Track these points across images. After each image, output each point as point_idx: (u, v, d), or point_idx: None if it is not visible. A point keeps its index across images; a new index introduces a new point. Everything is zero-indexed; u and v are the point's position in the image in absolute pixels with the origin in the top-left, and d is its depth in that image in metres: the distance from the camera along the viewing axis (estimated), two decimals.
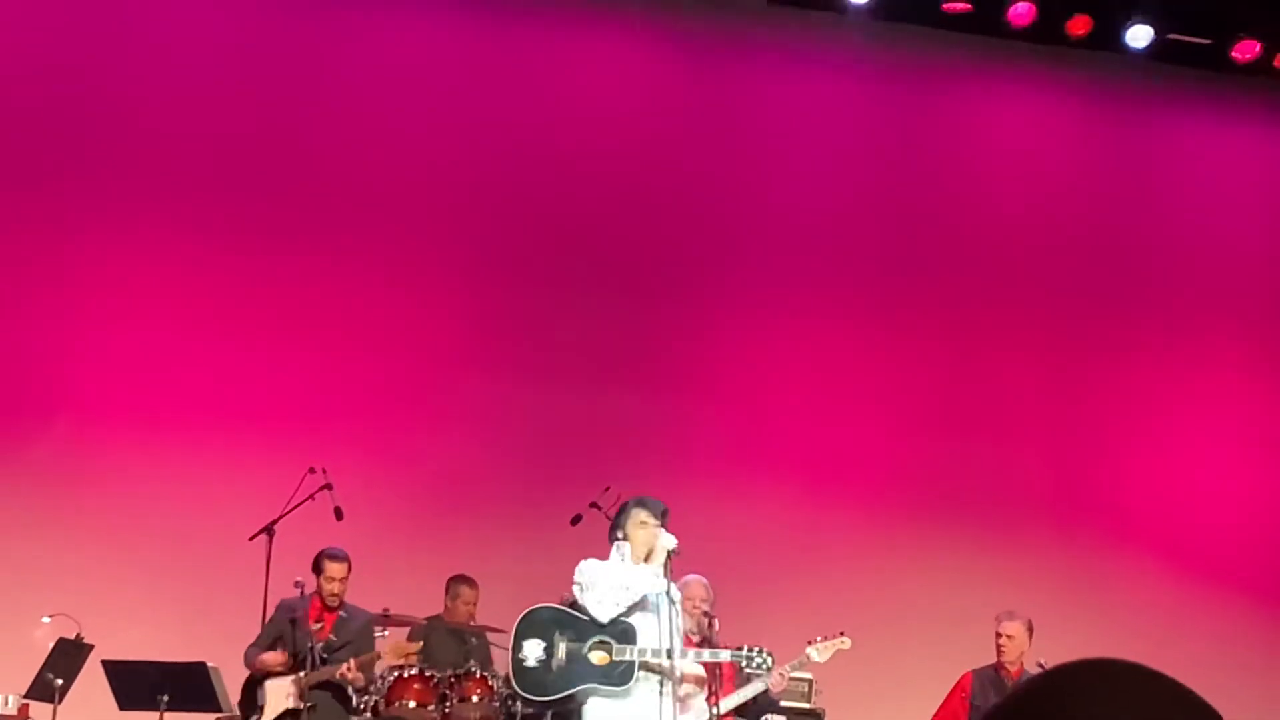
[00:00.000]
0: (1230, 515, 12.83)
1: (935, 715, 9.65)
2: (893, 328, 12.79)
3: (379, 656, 9.38)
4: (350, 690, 9.45)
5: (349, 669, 9.27)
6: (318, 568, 9.64)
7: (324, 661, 9.24)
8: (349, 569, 9.64)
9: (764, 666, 8.21)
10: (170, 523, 11.36)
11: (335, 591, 9.58)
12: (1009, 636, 9.65)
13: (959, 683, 9.70)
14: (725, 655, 8.25)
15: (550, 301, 12.32)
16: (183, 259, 11.84)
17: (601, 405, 12.15)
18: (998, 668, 9.65)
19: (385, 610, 9.62)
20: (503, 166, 12.48)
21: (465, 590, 10.52)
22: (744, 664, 8.21)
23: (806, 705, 10.28)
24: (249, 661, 9.39)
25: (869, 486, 12.44)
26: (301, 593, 9.47)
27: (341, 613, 9.54)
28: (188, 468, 11.52)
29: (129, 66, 12.06)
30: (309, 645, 9.35)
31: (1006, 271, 13.05)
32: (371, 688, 9.47)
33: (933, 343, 12.78)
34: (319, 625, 9.50)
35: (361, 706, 9.39)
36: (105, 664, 9.24)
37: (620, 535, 8.04)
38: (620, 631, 7.89)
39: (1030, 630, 9.70)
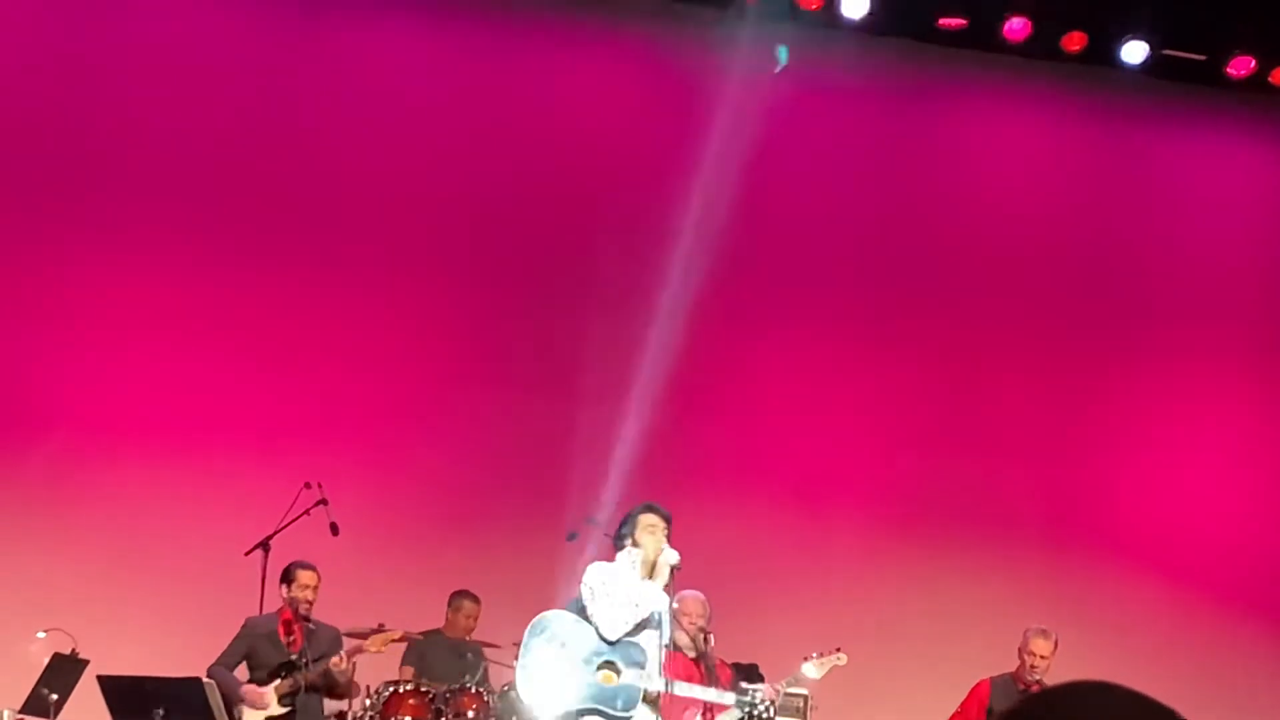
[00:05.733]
0: (1224, 530, 12.83)
1: None
2: (886, 342, 12.79)
3: (360, 650, 9.39)
4: (335, 687, 9.48)
5: (340, 659, 9.30)
6: (288, 578, 9.65)
7: (306, 667, 9.27)
8: (319, 579, 9.65)
9: (765, 715, 8.22)
10: (166, 538, 11.36)
11: (308, 599, 9.58)
12: (1042, 657, 9.60)
13: (975, 691, 9.65)
14: (730, 699, 8.27)
15: (546, 316, 12.33)
16: (177, 274, 11.85)
17: (597, 420, 12.14)
18: (1016, 678, 9.61)
19: (380, 625, 9.62)
20: (497, 182, 12.49)
21: (467, 604, 10.55)
22: (745, 711, 8.22)
23: None
24: (223, 685, 9.37)
25: (864, 501, 12.44)
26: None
27: (310, 625, 9.54)
28: (184, 483, 11.52)
29: (127, 83, 12.07)
30: (291, 656, 9.39)
31: (1000, 286, 13.05)
32: (369, 702, 9.47)
33: (926, 356, 12.78)
34: (290, 639, 9.52)
35: None
36: (100, 679, 9.22)
37: (630, 541, 8.01)
38: (630, 655, 7.86)
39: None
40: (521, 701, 8.18)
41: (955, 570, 12.32)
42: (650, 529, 7.97)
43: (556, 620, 7.96)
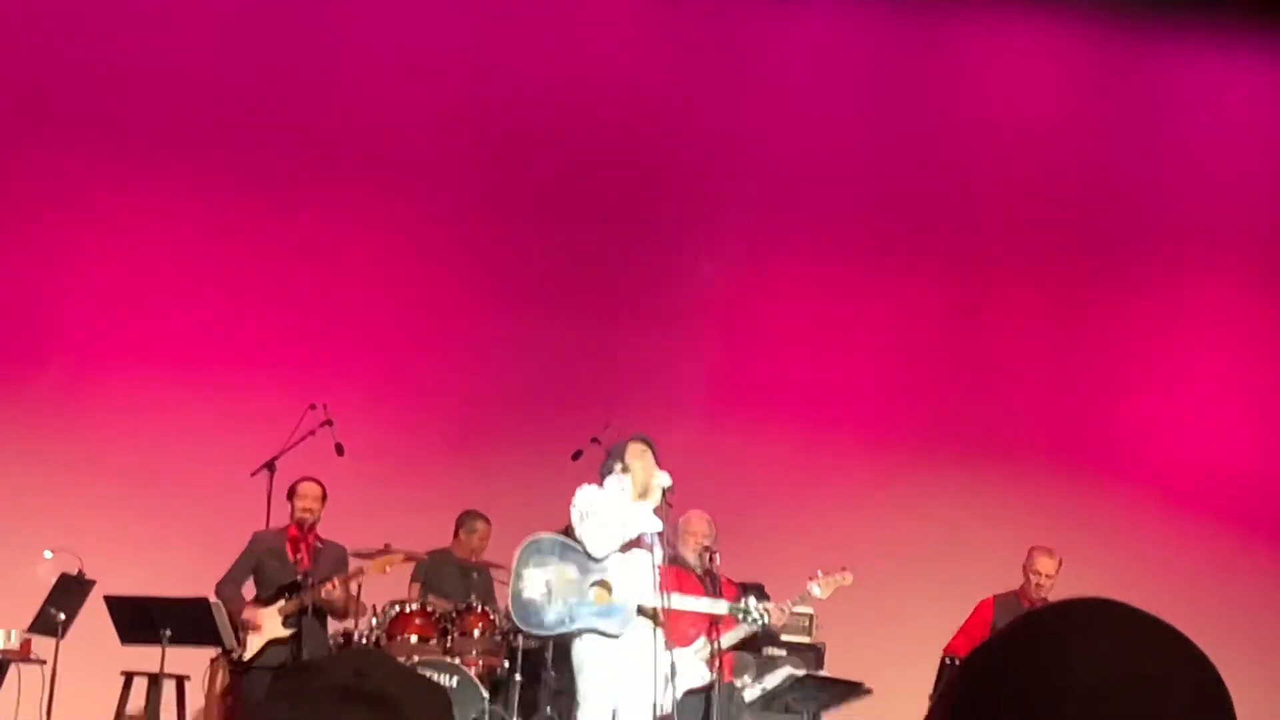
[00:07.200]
0: (1227, 451, 12.82)
1: (954, 640, 9.60)
2: (893, 263, 12.76)
3: (361, 573, 9.41)
4: (334, 610, 9.52)
5: (334, 585, 9.32)
6: (292, 494, 9.67)
7: (311, 587, 9.30)
8: (323, 493, 9.66)
9: (759, 622, 8.27)
10: (172, 459, 11.38)
11: (310, 509, 9.59)
12: (1047, 575, 9.62)
13: (979, 609, 9.68)
14: (723, 607, 8.30)
15: (554, 238, 12.30)
16: (184, 197, 11.82)
17: (604, 341, 12.14)
18: (1020, 596, 9.63)
19: (386, 545, 9.64)
20: (504, 101, 12.43)
21: (480, 525, 10.54)
22: (740, 618, 8.27)
23: (807, 639, 10.32)
24: (227, 600, 9.41)
25: (870, 422, 12.44)
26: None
27: (317, 544, 9.56)
28: (189, 404, 11.53)
29: (132, 8, 12.00)
30: (297, 575, 9.42)
31: (1007, 207, 13.00)
32: (374, 621, 9.51)
33: (932, 278, 12.75)
34: (297, 557, 9.55)
35: (362, 640, 9.44)
36: (108, 599, 9.27)
37: (620, 467, 8.02)
38: (622, 573, 7.89)
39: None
40: (516, 624, 8.23)
41: (960, 491, 12.33)
42: (640, 454, 7.99)
43: (548, 542, 8.00)
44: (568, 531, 8.05)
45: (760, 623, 8.32)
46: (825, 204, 12.78)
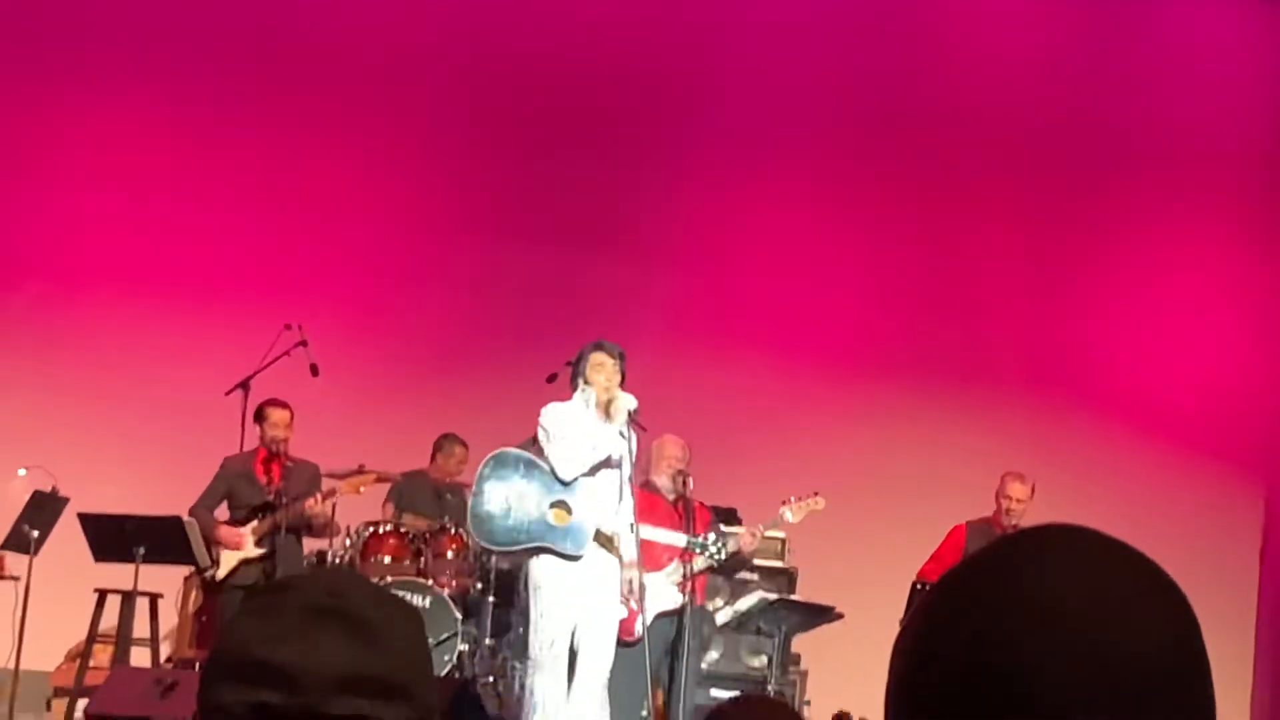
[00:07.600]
0: (1202, 379, 12.86)
1: (926, 565, 9.62)
2: (867, 193, 12.73)
3: (335, 493, 9.43)
4: (315, 527, 9.54)
5: (316, 501, 9.33)
6: (261, 417, 9.66)
7: (284, 507, 9.31)
8: (291, 416, 9.65)
9: (716, 556, 8.30)
10: (147, 378, 11.36)
11: (280, 436, 9.58)
12: (1019, 500, 9.65)
13: (952, 535, 9.71)
14: (681, 540, 8.32)
15: (531, 166, 12.25)
16: (160, 114, 11.75)
17: (581, 268, 12.13)
18: (992, 522, 9.66)
19: (360, 466, 9.65)
20: (485, 31, 12.35)
21: (459, 449, 10.54)
22: (698, 552, 8.30)
23: (780, 564, 10.37)
24: (203, 525, 9.41)
25: (844, 349, 12.46)
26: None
27: (288, 463, 9.56)
28: (165, 323, 11.51)
29: None
30: (269, 495, 9.42)
31: (982, 132, 12.95)
32: (348, 541, 9.54)
33: (907, 207, 12.73)
34: (268, 479, 9.55)
35: (336, 560, 9.46)
36: (81, 516, 9.28)
37: (582, 380, 8.00)
38: (583, 496, 7.88)
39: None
40: (473, 538, 8.24)
41: (934, 418, 12.37)
42: (598, 367, 7.95)
43: (513, 457, 7.98)
44: (534, 443, 8.01)
45: (718, 558, 8.35)
46: (799, 131, 12.73)
